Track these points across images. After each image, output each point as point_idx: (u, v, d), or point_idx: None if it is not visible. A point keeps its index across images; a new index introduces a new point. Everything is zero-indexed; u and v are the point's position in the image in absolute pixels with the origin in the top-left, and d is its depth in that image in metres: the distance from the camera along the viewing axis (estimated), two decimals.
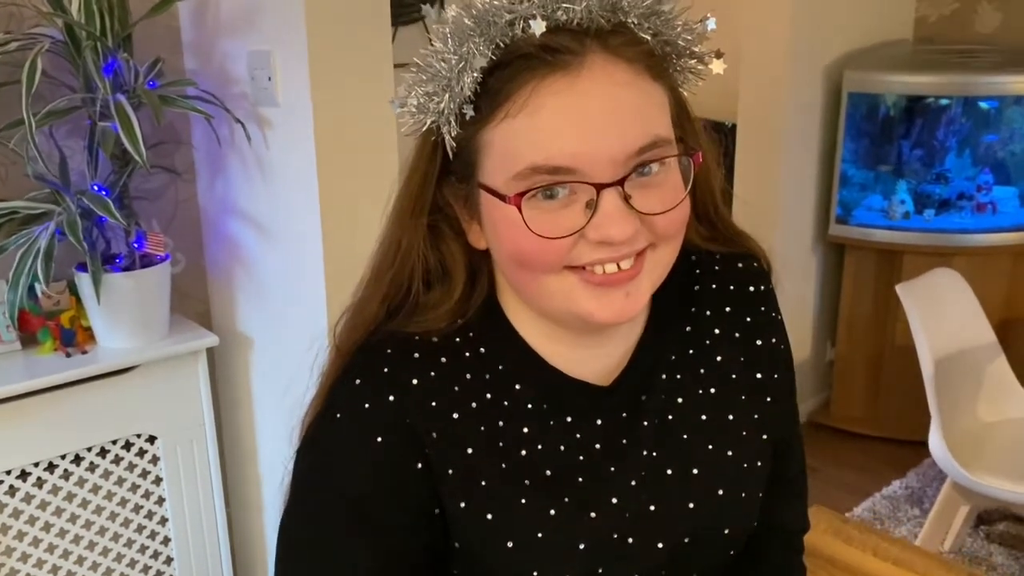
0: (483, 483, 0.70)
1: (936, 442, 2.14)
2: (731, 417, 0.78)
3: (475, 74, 0.63)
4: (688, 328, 0.80)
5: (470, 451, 0.70)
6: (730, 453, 0.78)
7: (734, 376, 0.80)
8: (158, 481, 1.72)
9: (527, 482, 0.71)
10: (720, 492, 0.76)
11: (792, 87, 2.83)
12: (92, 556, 1.67)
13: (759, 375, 0.81)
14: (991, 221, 2.87)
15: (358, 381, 0.70)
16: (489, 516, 0.69)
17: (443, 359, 0.71)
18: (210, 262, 1.86)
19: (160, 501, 1.73)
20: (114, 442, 1.65)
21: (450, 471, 0.69)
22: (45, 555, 1.61)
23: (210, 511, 1.76)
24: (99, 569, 1.68)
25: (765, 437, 0.80)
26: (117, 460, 1.66)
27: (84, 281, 1.57)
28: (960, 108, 2.79)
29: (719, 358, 0.79)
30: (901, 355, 3.01)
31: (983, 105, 2.79)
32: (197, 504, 1.74)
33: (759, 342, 0.81)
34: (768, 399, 0.81)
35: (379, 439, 0.68)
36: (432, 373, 0.70)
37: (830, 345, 3.35)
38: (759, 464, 0.79)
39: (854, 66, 2.86)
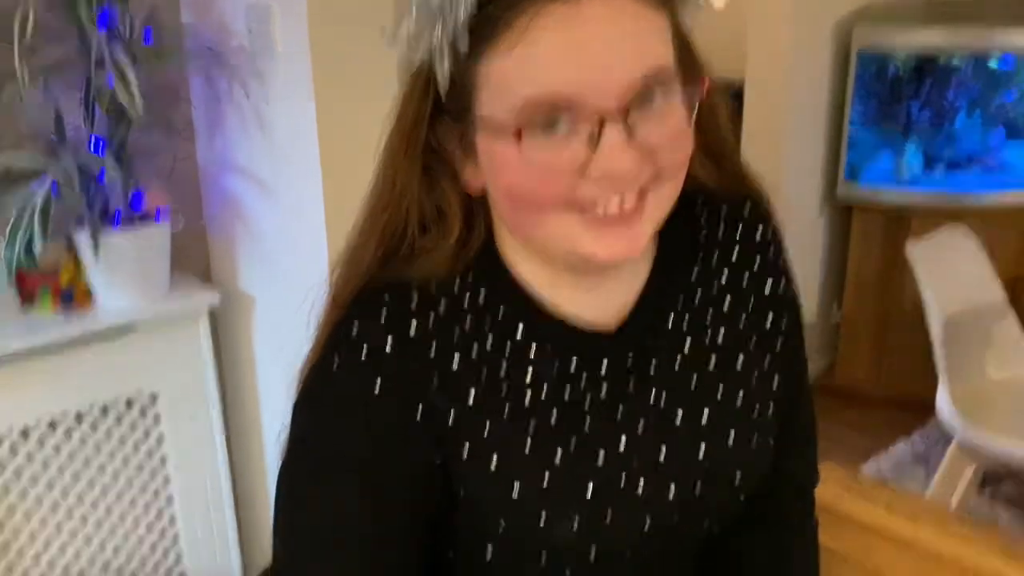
0: (486, 431, 0.68)
1: (943, 401, 2.13)
2: (740, 363, 0.77)
3: (469, 3, 0.60)
4: (695, 274, 0.78)
5: (472, 398, 0.68)
6: (740, 399, 0.76)
7: (742, 322, 0.78)
8: (160, 440, 1.71)
9: (531, 428, 0.69)
10: (731, 438, 0.75)
11: (800, 47, 2.78)
12: (96, 515, 1.67)
13: (768, 321, 0.79)
14: (1001, 181, 2.84)
15: (355, 330, 0.68)
16: (493, 464, 0.68)
17: (441, 306, 0.70)
18: (210, 220, 1.84)
19: (163, 461, 1.72)
20: (116, 401, 1.64)
21: (451, 419, 0.68)
22: (49, 513, 1.61)
23: (213, 470, 1.75)
24: (103, 527, 1.68)
25: (776, 384, 0.79)
26: (119, 419, 1.65)
27: (82, 239, 1.55)
28: (972, 65, 2.74)
29: (727, 304, 0.78)
30: (908, 317, 2.99)
31: (995, 63, 2.74)
32: (200, 464, 1.74)
33: (768, 287, 0.79)
34: (777, 345, 0.79)
35: (377, 390, 0.67)
36: (430, 320, 0.69)
37: (836, 307, 3.33)
38: (770, 411, 0.78)
39: (864, 23, 2.81)
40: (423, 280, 0.70)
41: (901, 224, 2.93)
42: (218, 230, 1.83)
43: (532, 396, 0.70)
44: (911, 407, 2.95)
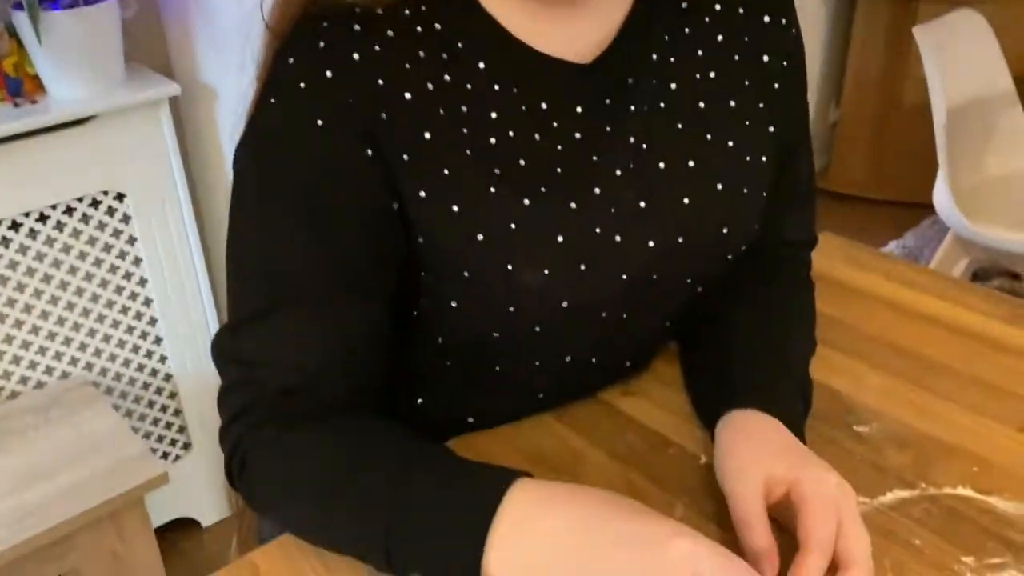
0: (445, 171, 0.61)
1: (942, 193, 2.07)
2: (733, 105, 0.69)
3: None
4: (685, 4, 0.69)
5: (428, 136, 0.61)
6: (731, 144, 0.69)
7: (737, 58, 0.70)
8: (132, 241, 1.65)
9: (497, 171, 0.62)
10: (719, 187, 0.68)
11: None
12: (72, 317, 1.63)
13: (765, 58, 0.71)
14: None
15: (291, 60, 0.60)
16: (455, 207, 0.61)
17: (390, 33, 0.61)
18: (164, 5, 1.69)
19: (137, 261, 1.66)
20: (80, 199, 1.56)
21: (405, 157, 0.61)
22: (23, 315, 1.57)
23: (189, 268, 1.70)
24: (82, 330, 1.65)
25: (772, 130, 0.71)
26: (86, 219, 1.58)
27: (22, 20, 1.42)
28: None
29: (720, 38, 0.69)
30: (909, 114, 2.90)
31: None
32: (175, 262, 1.68)
33: (766, 19, 0.71)
34: (776, 86, 0.72)
35: (319, 122, 0.59)
36: (377, 48, 0.60)
37: (834, 106, 3.22)
38: (763, 159, 0.71)
39: None
40: (367, 5, 0.61)
41: (907, 13, 2.78)
42: (173, 16, 1.68)
43: (497, 138, 0.62)
44: (906, 207, 2.91)
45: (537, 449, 0.73)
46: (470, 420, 0.75)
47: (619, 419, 0.76)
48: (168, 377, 1.78)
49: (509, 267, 0.62)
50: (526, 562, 0.50)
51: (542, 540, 0.50)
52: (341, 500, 0.57)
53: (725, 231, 0.69)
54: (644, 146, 0.66)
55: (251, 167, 0.63)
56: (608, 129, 0.65)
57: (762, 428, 0.63)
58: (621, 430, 0.75)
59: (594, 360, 0.75)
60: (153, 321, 1.73)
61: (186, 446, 1.86)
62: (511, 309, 0.64)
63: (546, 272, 0.62)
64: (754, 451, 0.61)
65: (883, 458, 0.71)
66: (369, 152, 0.60)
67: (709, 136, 0.68)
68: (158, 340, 1.75)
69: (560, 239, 0.63)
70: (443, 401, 0.74)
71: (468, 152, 0.62)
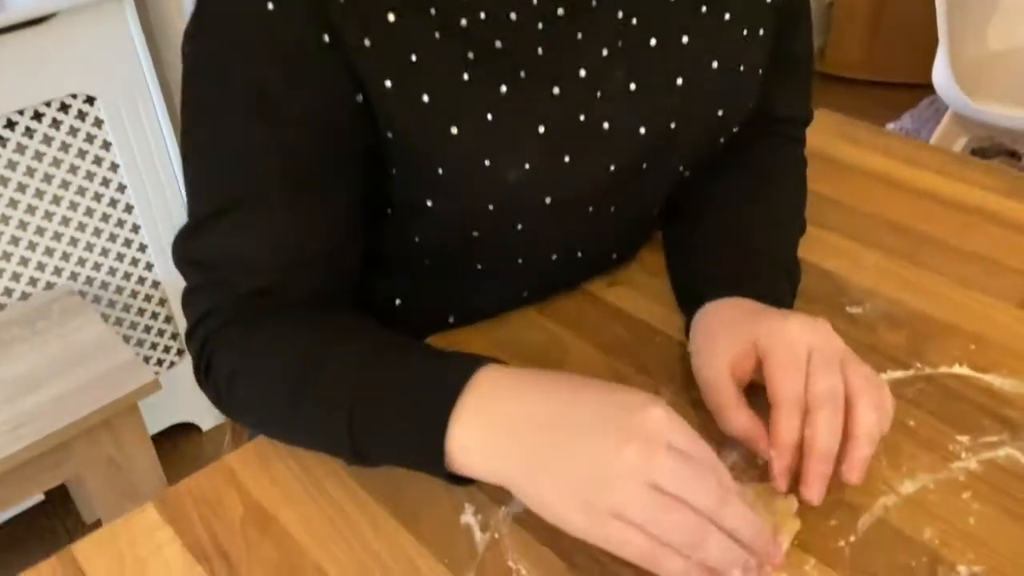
0: (413, 58, 0.56)
1: (941, 69, 2.01)
2: None
3: None
4: None
5: (391, 18, 0.55)
6: (727, 17, 0.64)
7: None
8: (107, 146, 1.59)
9: (471, 55, 0.57)
10: (714, 64, 0.64)
11: None
12: (52, 226, 1.59)
13: None
14: None
15: None
16: (425, 97, 0.57)
17: None
18: None
19: (113, 167, 1.62)
20: (48, 104, 1.50)
21: (367, 42, 0.55)
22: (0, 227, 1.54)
23: (168, 172, 1.66)
24: (63, 239, 1.61)
25: (768, 0, 0.66)
26: (56, 124, 1.53)
27: None
28: None
29: None
30: None
31: None
32: (153, 167, 1.64)
33: None
34: None
35: (270, 6, 0.54)
36: None
37: None
38: (761, 32, 0.66)
39: None
40: None
41: None
42: None
43: (469, 19, 0.57)
44: (903, 88, 2.84)
45: (521, 342, 0.71)
46: (450, 320, 0.72)
47: (605, 310, 0.74)
48: (156, 284, 1.76)
49: (487, 162, 0.58)
50: (493, 437, 0.48)
51: (510, 415, 0.48)
52: (306, 392, 0.55)
53: (720, 113, 0.65)
54: (633, 21, 0.61)
55: (199, 58, 0.58)
56: (593, 3, 0.60)
57: (729, 310, 0.61)
58: (607, 321, 0.73)
59: (580, 255, 0.72)
60: (136, 228, 1.69)
61: (180, 352, 1.86)
62: (491, 207, 0.60)
63: (527, 166, 0.58)
64: (718, 335, 0.59)
65: (877, 338, 0.69)
66: (326, 37, 0.55)
67: (704, 8, 0.63)
68: (143, 247, 1.71)
69: (542, 129, 0.58)
70: (421, 302, 0.72)
71: (437, 35, 0.56)
